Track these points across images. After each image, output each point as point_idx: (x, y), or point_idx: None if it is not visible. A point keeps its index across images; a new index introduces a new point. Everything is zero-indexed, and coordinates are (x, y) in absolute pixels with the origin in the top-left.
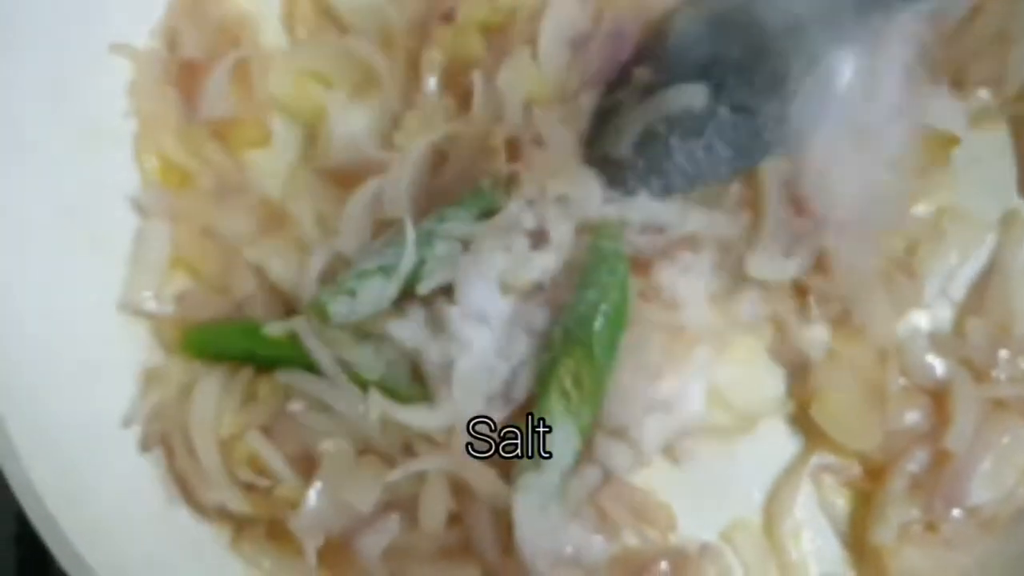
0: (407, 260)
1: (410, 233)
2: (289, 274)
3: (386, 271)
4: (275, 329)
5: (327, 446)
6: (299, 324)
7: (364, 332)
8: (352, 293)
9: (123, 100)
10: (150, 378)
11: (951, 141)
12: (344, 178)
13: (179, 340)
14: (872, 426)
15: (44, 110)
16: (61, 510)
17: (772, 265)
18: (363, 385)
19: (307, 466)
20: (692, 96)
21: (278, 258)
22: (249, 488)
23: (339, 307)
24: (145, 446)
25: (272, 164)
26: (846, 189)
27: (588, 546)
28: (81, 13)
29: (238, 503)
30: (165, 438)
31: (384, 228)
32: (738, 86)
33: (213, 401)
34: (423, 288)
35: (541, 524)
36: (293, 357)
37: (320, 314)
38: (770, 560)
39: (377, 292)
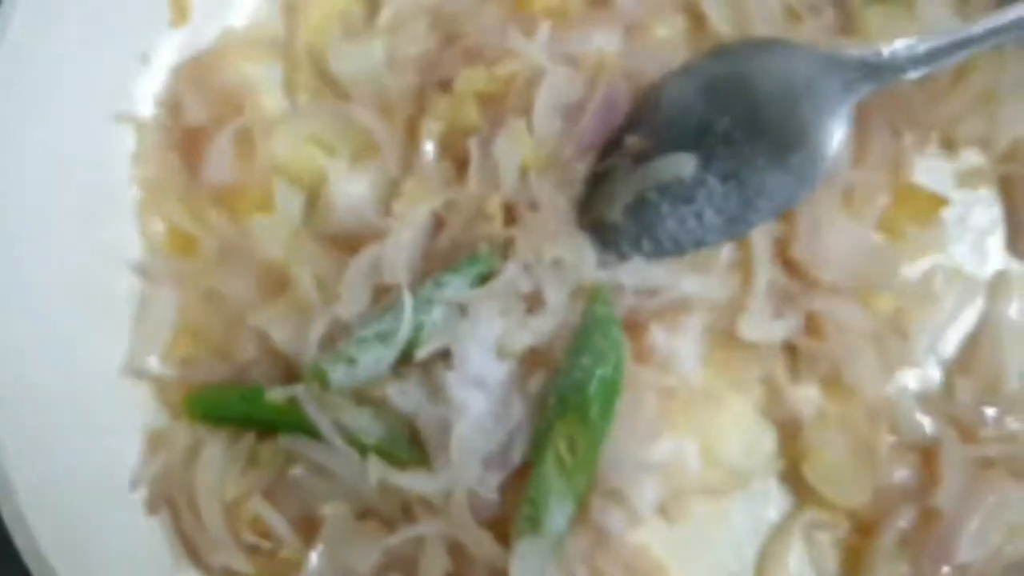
0: (404, 327)
1: (407, 300)
2: (290, 339)
3: (384, 338)
4: (276, 395)
5: (328, 510)
6: (299, 390)
7: (363, 397)
8: (351, 360)
9: (127, 168)
10: (154, 441)
11: (939, 202)
12: (345, 243)
13: (181, 403)
14: (862, 484)
15: (49, 178)
16: (67, 571)
17: (763, 327)
18: (363, 449)
19: (309, 529)
20: (681, 165)
21: (279, 323)
22: (253, 550)
23: (338, 374)
24: (151, 509)
25: (275, 229)
26: (836, 251)
27: None
28: (85, 82)
29: (242, 565)
30: (171, 501)
31: (384, 293)
32: (728, 156)
33: (217, 465)
34: (421, 353)
35: None
36: (294, 422)
37: (320, 380)
38: None
39: (375, 359)
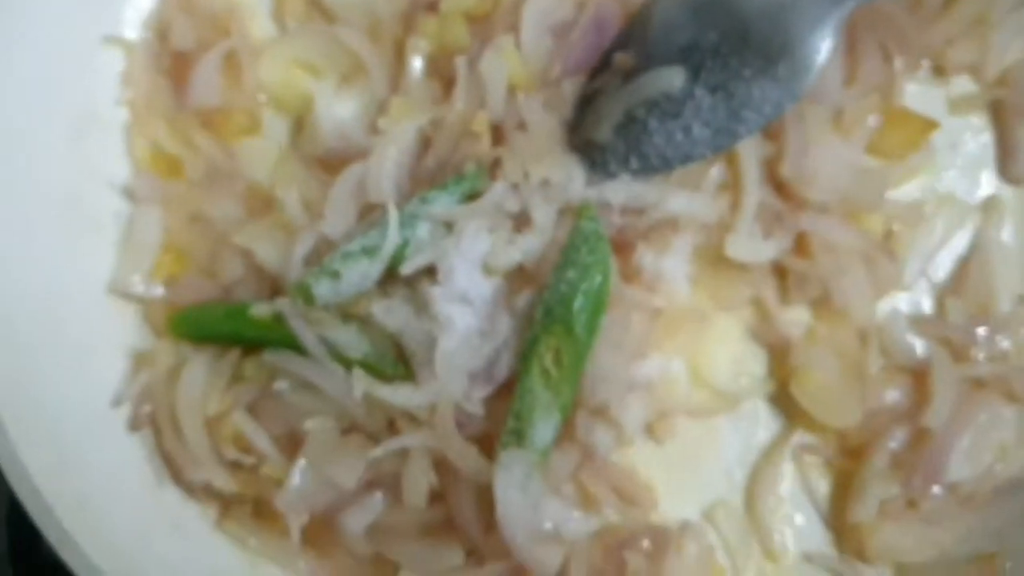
0: (390, 241)
1: (393, 215)
2: (275, 257)
3: (369, 252)
4: (261, 310)
5: (311, 425)
6: (284, 305)
7: (348, 313)
8: (336, 275)
9: (114, 91)
10: (140, 360)
11: (930, 126)
12: (331, 164)
13: (166, 322)
14: (852, 404)
15: (38, 100)
16: (50, 488)
17: (752, 246)
18: (348, 365)
19: (292, 445)
20: (670, 78)
21: (265, 242)
22: (235, 467)
23: (323, 288)
24: (134, 426)
25: (261, 152)
26: (825, 170)
27: (568, 522)
28: (74, 6)
29: (224, 482)
30: (153, 418)
31: (369, 211)
32: (716, 68)
33: (200, 381)
34: (406, 269)
35: (522, 500)
36: (279, 338)
37: (305, 295)
38: (751, 539)
39: (361, 273)
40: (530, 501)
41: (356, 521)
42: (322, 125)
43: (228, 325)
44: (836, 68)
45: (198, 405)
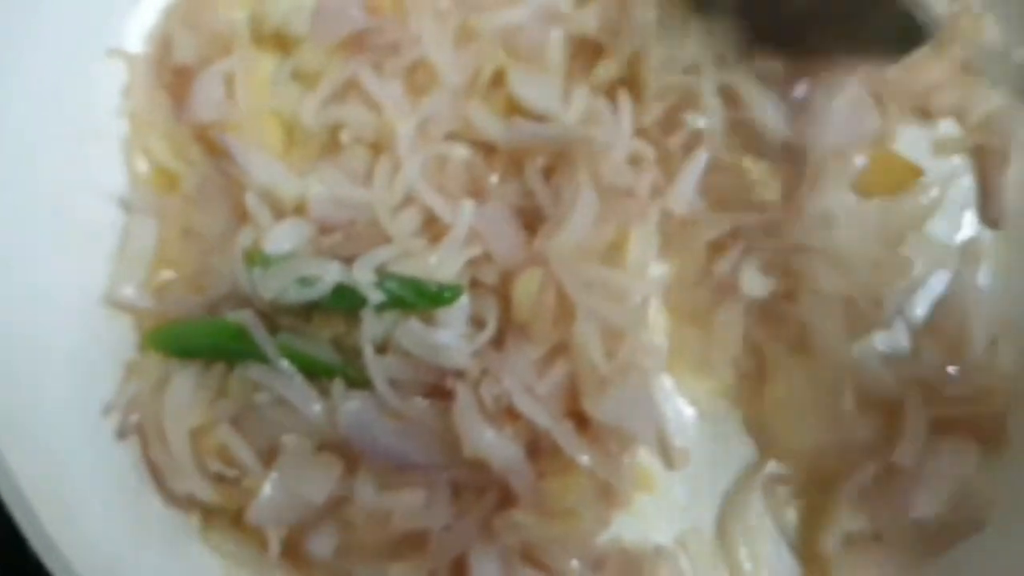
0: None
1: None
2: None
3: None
4: (234, 318)
5: (287, 440)
6: (247, 315)
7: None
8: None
9: (114, 103)
10: (130, 370)
11: (914, 172)
12: None
13: (144, 337)
14: (821, 426)
15: (40, 110)
16: (35, 493)
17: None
18: (328, 374)
19: (274, 458)
20: None
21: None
22: (219, 479)
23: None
24: (121, 434)
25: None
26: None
27: None
28: (76, 19)
29: (206, 493)
30: (140, 427)
31: None
32: None
33: (187, 394)
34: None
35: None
36: (254, 352)
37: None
38: (722, 567)
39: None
40: None
41: (323, 544)
42: None
43: (204, 340)
44: (835, 113)
45: (183, 417)
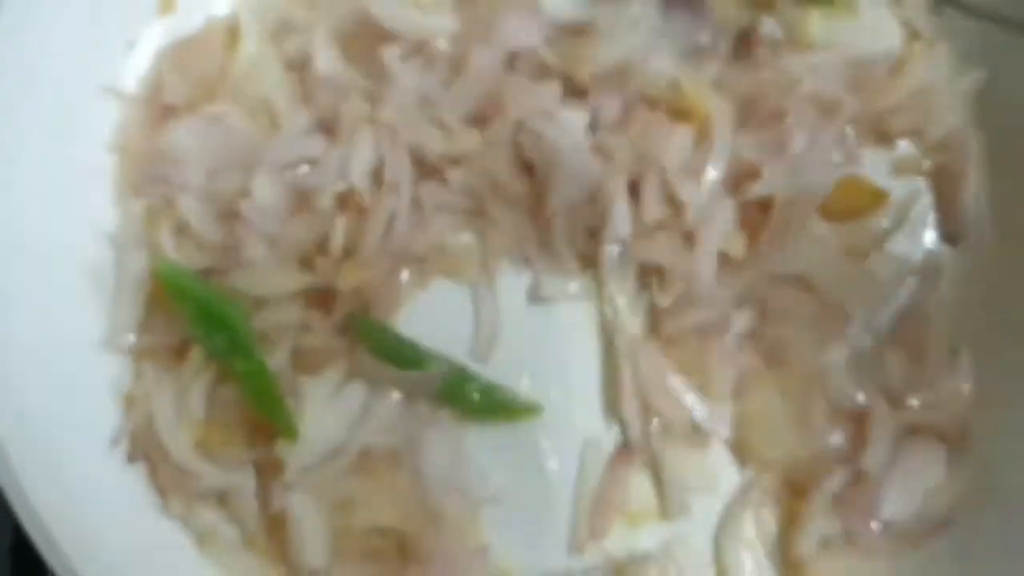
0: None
1: None
2: None
3: None
4: None
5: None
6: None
7: None
8: None
9: (110, 139)
10: (128, 402)
11: (880, 197)
12: None
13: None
14: (794, 436)
15: (39, 147)
16: (55, 522)
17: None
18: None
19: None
20: None
21: None
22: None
23: None
24: (131, 459)
25: None
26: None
27: None
28: (73, 65)
29: (200, 520)
30: (146, 454)
31: None
32: None
33: (170, 419)
34: None
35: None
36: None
37: None
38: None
39: None
40: None
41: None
42: None
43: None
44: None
45: (178, 442)
